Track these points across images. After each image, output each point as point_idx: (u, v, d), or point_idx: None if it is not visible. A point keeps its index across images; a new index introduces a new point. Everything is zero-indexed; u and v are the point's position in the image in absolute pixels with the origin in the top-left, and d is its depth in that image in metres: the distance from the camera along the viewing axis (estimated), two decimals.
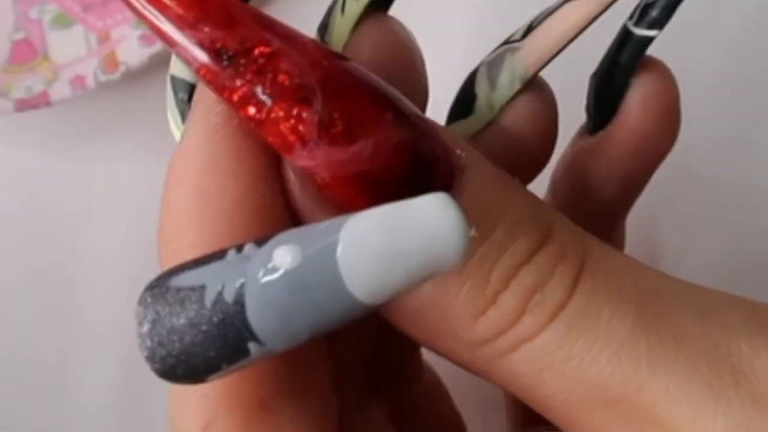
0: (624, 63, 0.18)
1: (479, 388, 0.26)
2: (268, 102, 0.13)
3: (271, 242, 0.12)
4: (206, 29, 0.13)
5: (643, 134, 0.18)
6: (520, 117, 0.18)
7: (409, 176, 0.14)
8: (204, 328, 0.12)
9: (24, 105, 0.30)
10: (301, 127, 0.13)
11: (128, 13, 0.32)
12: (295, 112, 0.13)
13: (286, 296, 0.12)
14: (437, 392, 0.21)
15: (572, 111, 0.20)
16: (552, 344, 0.14)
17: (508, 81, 0.18)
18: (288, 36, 0.14)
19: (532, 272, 0.14)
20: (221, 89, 0.13)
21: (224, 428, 0.14)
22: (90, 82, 0.31)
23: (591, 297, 0.14)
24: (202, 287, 0.12)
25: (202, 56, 0.13)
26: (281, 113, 0.13)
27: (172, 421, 0.15)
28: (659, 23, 0.17)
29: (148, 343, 0.13)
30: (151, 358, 0.13)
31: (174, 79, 0.16)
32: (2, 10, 0.33)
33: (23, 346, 0.30)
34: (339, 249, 0.12)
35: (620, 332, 0.14)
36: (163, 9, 0.13)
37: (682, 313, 0.15)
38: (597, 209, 0.19)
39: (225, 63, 0.13)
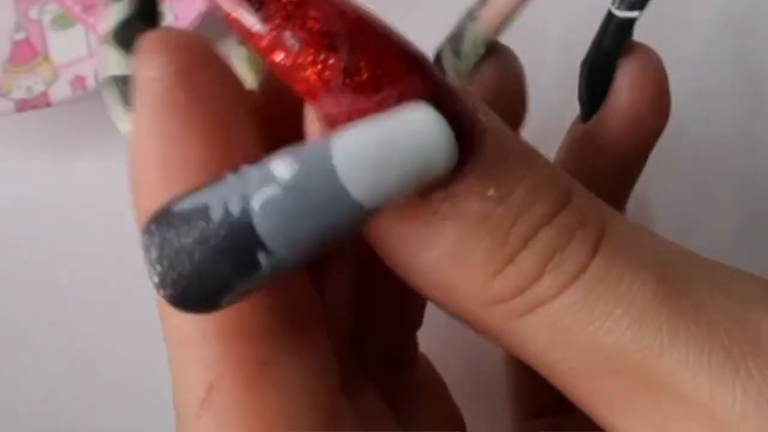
0: (610, 46, 0.19)
1: (478, 384, 0.26)
2: (296, 47, 0.13)
3: (267, 158, 0.13)
4: None
5: (634, 114, 0.19)
6: (489, 79, 0.19)
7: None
8: (213, 242, 0.12)
9: (24, 105, 0.30)
10: (327, 73, 0.13)
11: None
12: (322, 57, 0.13)
13: (288, 201, 0.12)
14: (434, 384, 0.21)
15: (571, 105, 0.20)
16: (571, 307, 0.14)
17: (471, 48, 0.18)
18: None
19: (552, 233, 0.14)
20: (249, 36, 0.14)
21: (228, 387, 0.14)
22: (90, 83, 0.31)
23: (612, 262, 0.14)
24: (206, 206, 0.12)
25: (231, 3, 0.14)
26: (309, 58, 0.13)
27: (175, 386, 0.15)
28: (640, 4, 0.18)
29: (158, 268, 0.13)
30: (162, 284, 0.13)
31: (115, 79, 0.16)
32: (3, 10, 0.33)
33: (23, 345, 0.30)
34: (334, 154, 0.12)
35: (641, 299, 0.14)
36: None
37: (701, 284, 0.15)
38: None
39: (255, 8, 0.13)
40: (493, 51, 0.19)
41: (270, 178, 0.12)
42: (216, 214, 0.12)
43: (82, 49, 0.32)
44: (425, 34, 0.16)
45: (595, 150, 0.20)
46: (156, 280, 0.13)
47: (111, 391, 0.29)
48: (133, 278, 0.30)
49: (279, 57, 0.14)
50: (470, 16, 0.19)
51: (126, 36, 0.16)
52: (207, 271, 0.12)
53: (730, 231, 0.29)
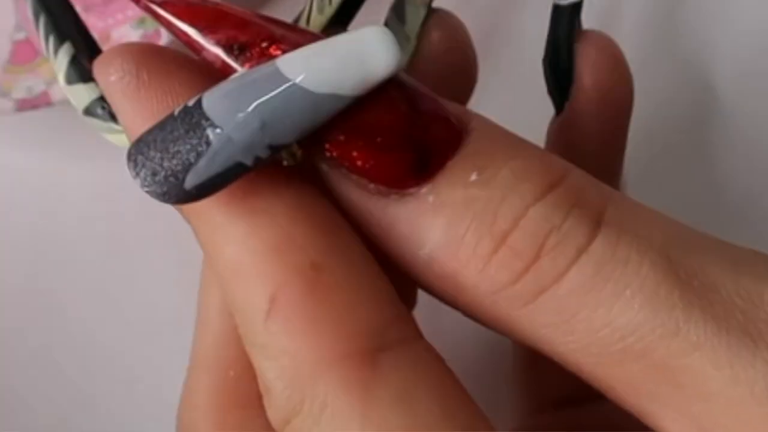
0: (563, 35, 0.20)
1: (482, 376, 0.26)
2: None
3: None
4: (223, 31, 0.15)
5: (600, 90, 0.20)
6: (435, 40, 0.19)
7: (408, 126, 0.15)
8: (172, 130, 0.14)
9: (25, 105, 0.30)
10: None
11: (128, 13, 0.32)
12: None
13: (231, 86, 0.14)
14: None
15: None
16: (578, 290, 0.14)
17: (413, 11, 0.19)
18: (291, 29, 0.15)
19: (543, 212, 0.14)
20: (230, 73, 0.15)
21: (290, 294, 0.14)
22: None
23: (617, 241, 0.14)
24: (172, 112, 0.15)
25: (218, 51, 0.15)
26: None
27: (236, 314, 0.15)
28: None
29: (139, 170, 0.14)
30: (144, 183, 0.14)
31: (89, 108, 0.17)
32: (3, 10, 0.33)
33: (23, 346, 0.30)
34: (278, 61, 0.14)
35: (652, 279, 0.14)
36: (191, 21, 0.15)
37: (712, 263, 0.14)
38: None
39: (236, 53, 0.15)
40: (435, 14, 0.20)
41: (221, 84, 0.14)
42: (176, 110, 0.14)
43: None
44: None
45: (576, 136, 0.20)
46: (139, 181, 0.14)
47: (107, 390, 0.29)
48: (134, 277, 0.30)
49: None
50: None
51: (80, 71, 0.17)
52: (171, 155, 0.14)
53: None
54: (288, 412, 0.14)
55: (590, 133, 0.20)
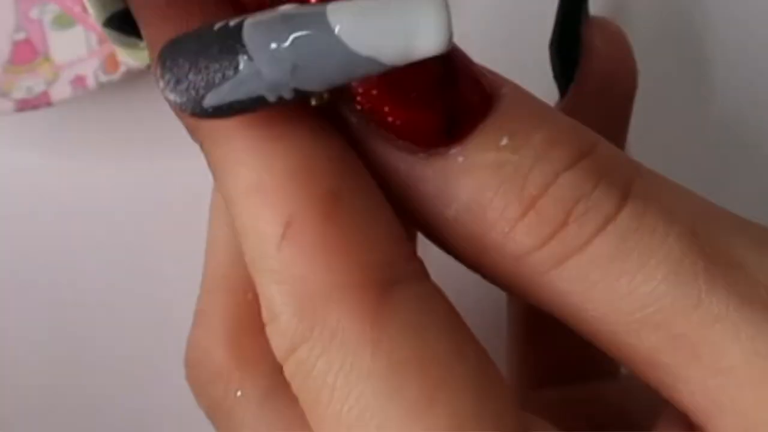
0: (572, 19, 0.20)
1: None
2: None
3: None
4: None
5: (606, 75, 0.20)
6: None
7: (441, 86, 0.14)
8: (205, 37, 0.14)
9: (25, 105, 0.30)
10: None
11: None
12: None
13: (273, 21, 0.13)
14: None
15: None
16: (603, 257, 0.14)
17: None
18: None
19: (572, 179, 0.14)
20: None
21: (306, 219, 0.14)
22: (90, 83, 0.31)
23: (644, 212, 0.14)
24: (212, 24, 0.14)
25: None
26: None
27: (245, 237, 0.15)
28: None
29: (167, 77, 0.14)
30: (166, 87, 0.14)
31: (108, 22, 0.17)
32: (3, 10, 0.33)
33: (22, 346, 0.30)
34: (327, 8, 0.13)
35: (677, 250, 0.14)
36: None
37: (738, 239, 0.14)
38: None
39: None
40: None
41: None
42: (216, 26, 0.14)
43: (83, 49, 0.32)
44: None
45: (581, 115, 0.20)
46: (162, 84, 0.14)
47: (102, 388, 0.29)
48: (134, 276, 0.30)
49: None
50: None
51: None
52: (202, 69, 0.14)
53: None
54: (295, 340, 0.14)
55: (593, 118, 0.20)
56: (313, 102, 0.15)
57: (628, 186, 0.14)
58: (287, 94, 0.14)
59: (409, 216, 0.15)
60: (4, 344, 0.30)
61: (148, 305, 0.30)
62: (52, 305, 0.30)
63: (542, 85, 0.21)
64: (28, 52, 0.32)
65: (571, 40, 0.20)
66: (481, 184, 0.14)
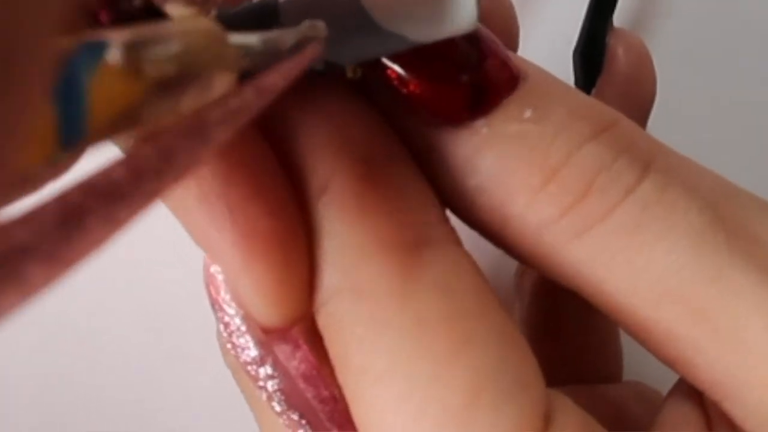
0: (598, 29, 0.21)
1: None
2: None
3: None
4: None
5: (627, 84, 0.20)
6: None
7: (468, 62, 0.15)
8: (248, 10, 0.14)
9: None
10: None
11: None
12: None
13: None
14: None
15: None
16: (624, 228, 0.14)
17: None
18: None
19: (594, 150, 0.14)
20: None
21: (342, 183, 0.15)
22: None
23: (665, 186, 0.14)
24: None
25: None
26: None
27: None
28: None
29: None
30: None
31: None
32: None
33: (23, 346, 0.30)
34: None
35: (698, 223, 0.14)
36: None
37: (758, 217, 0.14)
38: None
39: None
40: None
41: None
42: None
43: None
44: None
45: None
46: None
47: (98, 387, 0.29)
48: (134, 276, 0.30)
49: None
50: None
51: None
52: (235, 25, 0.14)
53: None
54: (328, 292, 0.15)
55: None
56: (349, 74, 0.15)
57: (650, 160, 0.14)
58: (318, 66, 0.14)
59: (435, 188, 0.16)
60: (5, 343, 0.30)
61: (149, 304, 0.30)
62: (53, 304, 0.30)
63: None
64: None
65: (596, 48, 0.21)
66: (504, 154, 0.15)
